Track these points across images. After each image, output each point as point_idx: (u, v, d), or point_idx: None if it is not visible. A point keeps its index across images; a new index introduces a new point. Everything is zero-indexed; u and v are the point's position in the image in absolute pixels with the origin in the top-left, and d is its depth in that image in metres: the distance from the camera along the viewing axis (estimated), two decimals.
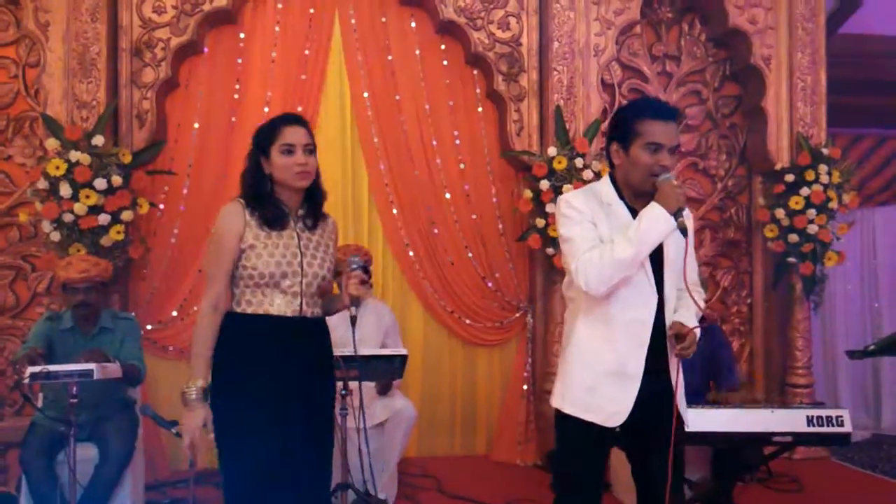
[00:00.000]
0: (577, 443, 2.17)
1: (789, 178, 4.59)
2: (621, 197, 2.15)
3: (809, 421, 3.00)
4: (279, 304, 2.16)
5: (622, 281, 2.06)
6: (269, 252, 2.15)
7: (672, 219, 2.01)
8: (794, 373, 4.73)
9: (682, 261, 2.12)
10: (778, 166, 4.70)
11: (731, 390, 3.46)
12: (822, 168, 4.54)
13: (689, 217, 2.27)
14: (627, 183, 2.15)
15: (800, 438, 3.06)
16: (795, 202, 4.55)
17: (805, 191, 4.54)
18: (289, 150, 2.16)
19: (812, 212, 4.51)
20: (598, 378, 2.12)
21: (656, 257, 2.11)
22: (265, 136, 2.21)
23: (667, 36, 4.93)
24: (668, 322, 2.13)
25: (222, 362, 2.16)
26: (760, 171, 4.90)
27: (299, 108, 4.50)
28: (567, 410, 2.17)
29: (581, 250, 2.08)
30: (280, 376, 2.15)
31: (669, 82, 4.92)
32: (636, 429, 2.17)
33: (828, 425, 3.00)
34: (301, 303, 2.19)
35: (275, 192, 2.21)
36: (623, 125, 2.13)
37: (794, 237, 4.56)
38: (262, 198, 2.19)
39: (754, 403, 3.31)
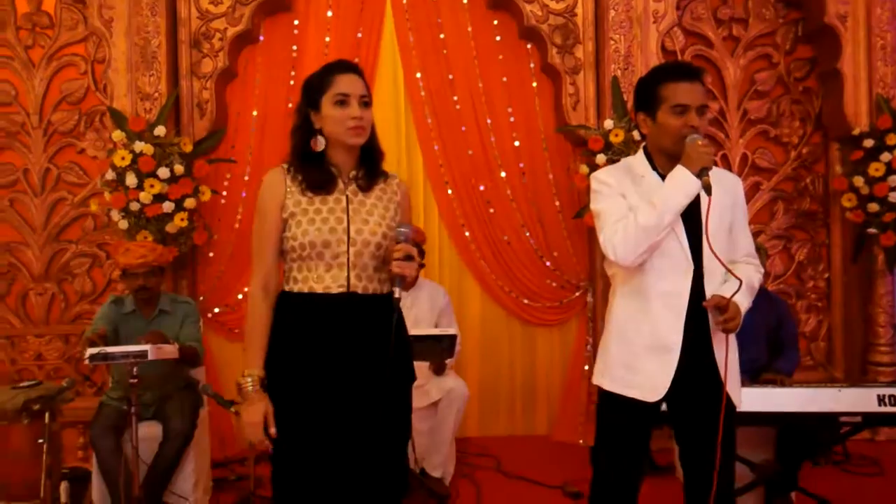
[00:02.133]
0: (618, 419, 2.13)
1: (868, 143, 4.29)
2: (654, 168, 2.09)
3: (881, 400, 2.82)
4: (325, 280, 1.91)
5: (655, 251, 1.99)
6: (310, 219, 1.91)
7: (696, 180, 1.94)
8: (876, 350, 4.46)
9: (725, 233, 2.04)
10: (856, 131, 4.39)
11: (786, 374, 3.27)
12: None
13: (737, 182, 2.16)
14: (660, 151, 2.09)
15: (870, 419, 2.88)
16: (875, 169, 4.25)
17: (886, 156, 4.24)
18: (342, 101, 1.91)
19: (894, 178, 4.21)
20: (635, 352, 2.07)
21: (694, 226, 2.02)
22: (315, 86, 1.96)
23: None
24: (707, 294, 2.03)
25: (271, 349, 1.96)
26: (837, 137, 4.61)
27: None
28: (607, 387, 2.14)
29: (609, 223, 2.03)
30: (329, 365, 1.90)
31: (736, 47, 4.67)
32: (682, 407, 2.11)
33: None
34: (348, 276, 1.91)
35: (325, 150, 1.96)
36: (646, 93, 2.08)
37: (874, 206, 4.27)
38: (309, 158, 1.96)
39: (820, 382, 3.13)
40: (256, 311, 1.95)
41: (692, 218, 2.03)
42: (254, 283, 1.97)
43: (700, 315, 2.04)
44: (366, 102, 1.94)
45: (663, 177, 2.05)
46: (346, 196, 1.96)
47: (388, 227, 1.96)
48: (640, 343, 2.07)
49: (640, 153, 2.16)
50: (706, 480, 2.05)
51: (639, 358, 2.07)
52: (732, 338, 2.06)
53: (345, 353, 1.91)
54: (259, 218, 1.98)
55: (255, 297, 1.96)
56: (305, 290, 1.92)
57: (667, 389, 2.03)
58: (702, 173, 1.95)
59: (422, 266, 3.92)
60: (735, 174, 2.28)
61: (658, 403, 2.09)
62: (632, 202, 2.05)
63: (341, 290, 1.91)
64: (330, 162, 1.98)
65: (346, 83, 1.93)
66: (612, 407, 2.14)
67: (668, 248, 2.02)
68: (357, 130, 1.92)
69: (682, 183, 1.96)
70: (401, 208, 2.05)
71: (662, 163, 2.09)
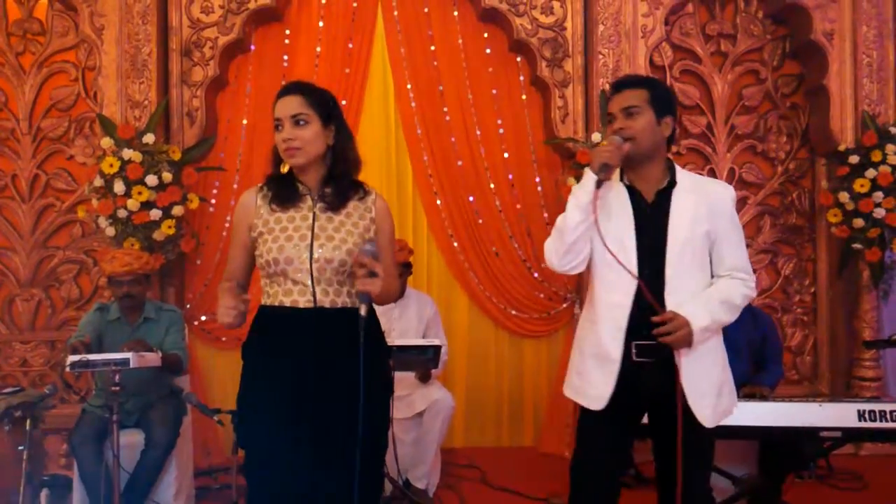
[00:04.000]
0: (585, 428, 2.15)
1: (854, 159, 4.33)
2: (621, 178, 2.14)
3: (861, 415, 2.83)
4: (293, 294, 1.94)
5: (577, 255, 2.08)
6: (275, 237, 1.96)
7: (593, 175, 2.02)
8: (861, 365, 4.48)
9: (699, 242, 2.06)
10: (842, 147, 4.43)
11: (768, 388, 3.29)
12: (890, 148, 4.27)
13: (723, 191, 2.15)
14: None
15: (850, 434, 2.88)
16: (861, 185, 4.29)
17: (871, 172, 4.28)
18: (277, 126, 1.98)
19: (879, 194, 4.25)
20: (584, 361, 2.13)
21: (654, 239, 2.04)
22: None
23: (721, 14, 4.72)
24: (668, 307, 2.02)
25: (246, 359, 2.02)
26: (823, 152, 4.65)
27: (343, 102, 4.55)
28: (566, 394, 2.21)
29: None
30: (300, 376, 1.92)
31: (724, 62, 4.72)
32: (652, 421, 2.12)
33: (881, 420, 2.82)
34: (314, 291, 1.93)
35: (291, 171, 2.02)
36: (604, 111, 2.20)
37: (859, 221, 4.30)
38: (282, 178, 2.02)
39: (804, 396, 3.14)
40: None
41: (653, 231, 2.04)
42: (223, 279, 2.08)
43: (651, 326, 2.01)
44: (299, 121, 1.96)
45: (631, 189, 2.11)
46: (314, 213, 1.99)
47: (353, 245, 1.96)
48: (587, 351, 2.12)
49: None
50: (674, 495, 2.04)
51: (586, 366, 2.11)
52: (702, 352, 2.03)
53: (313, 366, 1.93)
54: (231, 234, 2.13)
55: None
56: (276, 303, 1.98)
57: (607, 402, 2.04)
58: (602, 169, 2.01)
59: (409, 274, 3.94)
60: (727, 184, 2.26)
61: (621, 416, 2.08)
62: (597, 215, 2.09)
63: (308, 304, 1.94)
64: (297, 180, 2.03)
65: (279, 108, 1.98)
66: (581, 415, 2.17)
67: (614, 262, 2.03)
68: (289, 152, 1.96)
69: (584, 181, 2.05)
70: (376, 224, 2.05)
71: (629, 173, 2.15)
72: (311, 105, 1.98)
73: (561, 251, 2.08)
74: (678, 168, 2.16)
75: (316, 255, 1.94)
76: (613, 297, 2.06)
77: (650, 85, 2.13)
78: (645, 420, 2.20)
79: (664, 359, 2.02)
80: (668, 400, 2.01)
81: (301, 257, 1.93)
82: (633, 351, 2.04)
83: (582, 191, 2.05)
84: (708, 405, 2.05)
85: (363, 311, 1.89)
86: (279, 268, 1.95)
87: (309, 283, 1.94)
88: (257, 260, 2.02)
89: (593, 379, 2.08)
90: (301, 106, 1.97)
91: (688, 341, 1.98)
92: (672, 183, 2.10)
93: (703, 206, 2.06)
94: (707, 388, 2.06)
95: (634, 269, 2.03)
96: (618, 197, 2.09)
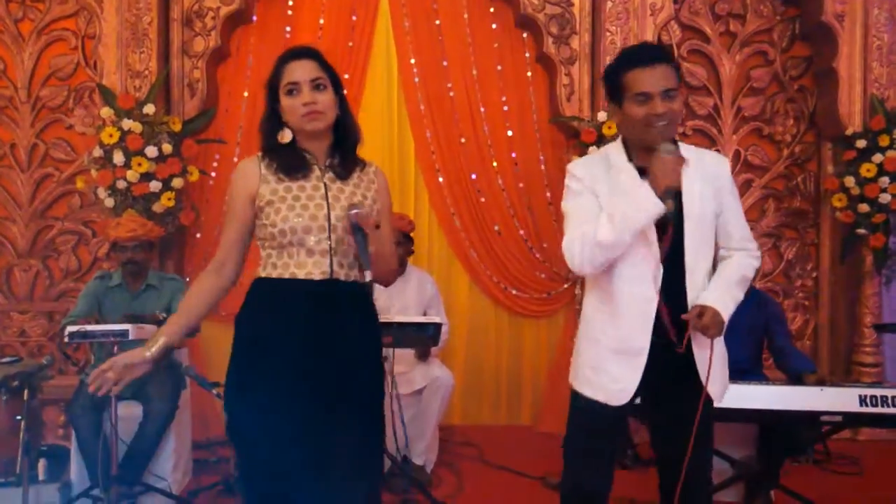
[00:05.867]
0: (586, 419, 2.09)
1: (861, 143, 4.29)
2: (630, 158, 2.02)
3: (862, 400, 2.81)
4: (307, 266, 1.88)
5: (618, 257, 1.94)
6: (289, 206, 1.87)
7: (659, 203, 1.87)
8: (861, 350, 4.47)
9: (709, 220, 2.01)
10: (849, 131, 4.39)
11: (811, 371, 3.24)
12: None
13: (720, 163, 2.10)
14: (632, 141, 2.02)
15: (851, 419, 2.87)
16: (867, 169, 4.25)
17: (878, 157, 4.24)
18: (292, 90, 1.89)
19: (885, 180, 4.22)
20: (602, 355, 2.03)
21: (669, 223, 1.95)
22: (272, 80, 1.94)
23: None
24: (689, 293, 1.98)
25: (243, 332, 1.92)
26: (830, 136, 4.60)
27: (346, 76, 4.50)
28: (577, 388, 2.10)
29: (572, 227, 1.99)
30: (309, 351, 1.86)
31: (733, 42, 4.66)
32: (656, 402, 2.09)
33: (883, 405, 2.81)
34: (331, 263, 1.88)
35: (296, 141, 1.94)
36: (611, 82, 2.00)
37: (864, 207, 4.27)
38: (281, 147, 1.93)
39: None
40: (201, 283, 1.94)
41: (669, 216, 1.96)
42: (214, 259, 1.97)
43: (676, 311, 1.97)
44: (319, 85, 1.90)
45: (639, 169, 1.99)
46: (325, 183, 1.93)
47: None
48: (606, 346, 2.02)
49: (618, 142, 2.08)
50: (678, 475, 2.02)
51: (605, 360, 2.02)
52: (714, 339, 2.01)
53: (326, 339, 1.88)
54: (228, 206, 1.98)
55: (208, 271, 1.95)
56: (286, 275, 1.89)
57: (632, 395, 1.99)
58: (666, 194, 1.88)
59: (410, 253, 3.92)
60: (721, 154, 2.19)
61: (626, 406, 2.03)
62: (603, 201, 1.98)
63: (324, 276, 1.88)
64: (302, 150, 1.95)
65: (294, 71, 1.90)
66: (581, 406, 2.09)
67: (634, 254, 1.96)
68: (311, 115, 1.89)
69: (644, 205, 1.88)
70: (379, 196, 2.02)
71: (639, 153, 2.01)
72: (325, 70, 1.93)
73: (599, 262, 1.94)
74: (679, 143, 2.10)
75: (334, 225, 1.89)
76: (636, 288, 1.97)
77: (675, 60, 2.02)
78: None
79: (681, 344, 1.97)
80: (683, 383, 1.98)
81: (320, 227, 1.88)
82: (668, 339, 1.97)
83: (642, 214, 1.88)
84: (719, 382, 2.05)
85: (368, 276, 1.83)
86: (296, 237, 1.87)
87: (328, 253, 1.89)
88: (264, 230, 1.90)
89: (616, 373, 2.00)
90: (318, 70, 1.92)
91: (721, 330, 1.95)
92: None
93: (708, 187, 2.01)
94: (717, 367, 2.03)
95: (658, 258, 1.96)
96: (626, 184, 1.98)
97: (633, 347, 1.98)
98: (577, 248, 1.95)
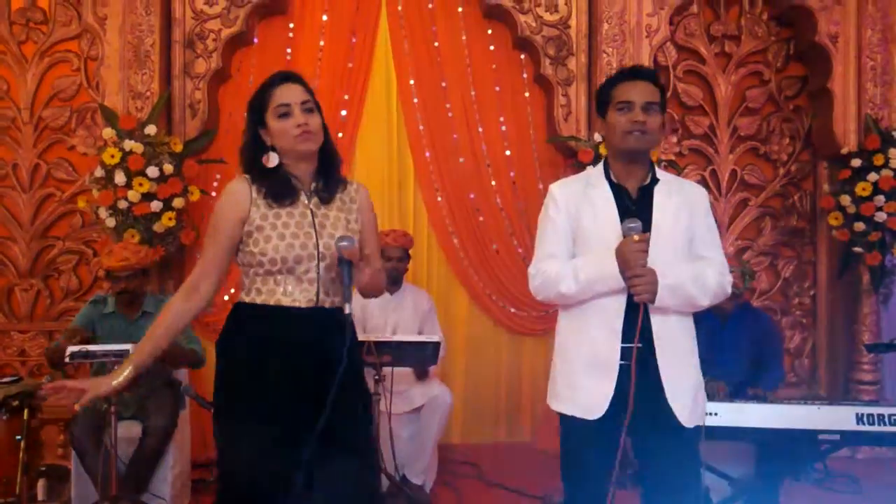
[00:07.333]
0: (571, 437, 2.10)
1: (856, 162, 4.34)
2: (608, 177, 2.11)
3: (859, 419, 2.81)
4: (294, 294, 1.90)
5: None
6: (279, 234, 1.89)
7: (622, 283, 1.96)
8: (859, 369, 4.49)
9: (680, 236, 2.06)
10: (844, 150, 4.43)
11: (769, 390, 3.28)
12: (893, 152, 4.28)
13: (698, 193, 2.16)
14: (613, 154, 2.12)
15: (848, 437, 2.86)
16: (862, 188, 4.29)
17: (873, 176, 4.28)
18: (284, 113, 1.90)
19: (880, 198, 4.25)
20: (575, 370, 2.06)
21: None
22: (258, 104, 1.95)
23: (726, 15, 4.72)
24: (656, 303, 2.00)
25: (227, 359, 1.94)
26: (826, 155, 4.65)
27: (346, 97, 4.57)
28: (555, 407, 2.12)
29: (540, 255, 2.11)
30: (293, 377, 1.88)
31: (728, 63, 4.72)
32: (634, 424, 2.07)
33: (880, 424, 2.81)
34: (318, 291, 1.92)
35: (282, 165, 1.94)
36: (600, 98, 2.14)
37: (860, 225, 4.31)
38: (267, 172, 1.93)
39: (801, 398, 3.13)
40: (170, 308, 1.94)
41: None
42: (188, 279, 1.97)
43: (647, 332, 1.99)
44: (308, 108, 1.93)
45: (616, 186, 2.08)
46: (311, 210, 1.96)
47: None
48: (578, 360, 2.05)
49: (602, 163, 2.17)
50: (657, 496, 2.06)
51: (578, 376, 2.05)
52: (679, 353, 2.05)
53: (311, 365, 1.89)
54: (212, 226, 1.96)
55: (179, 293, 1.95)
56: (271, 302, 1.90)
57: (605, 409, 1.99)
58: (632, 230, 1.96)
59: (406, 269, 3.94)
60: (701, 187, 2.26)
61: (607, 420, 2.02)
62: (580, 220, 2.07)
63: (310, 304, 1.92)
64: (289, 174, 1.96)
65: (284, 93, 1.92)
66: (565, 426, 2.11)
67: None
68: (305, 136, 1.91)
69: (608, 279, 1.97)
70: (360, 214, 2.05)
71: (618, 170, 2.11)
72: (311, 95, 1.97)
73: (552, 300, 2.09)
74: (656, 167, 2.18)
75: (322, 254, 1.91)
76: (603, 302, 2.01)
77: (661, 84, 2.14)
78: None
79: (643, 360, 1.97)
80: (649, 400, 1.98)
81: (310, 255, 1.90)
82: (623, 354, 1.99)
83: (604, 286, 1.99)
84: (686, 405, 2.04)
85: (347, 309, 1.88)
86: (286, 266, 1.89)
87: (315, 281, 1.92)
88: (251, 256, 1.90)
89: (588, 387, 2.01)
90: (306, 93, 1.95)
91: (652, 290, 1.95)
92: (654, 180, 2.11)
93: (684, 206, 2.08)
94: (686, 387, 2.05)
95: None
96: (602, 196, 2.08)
97: (603, 361, 2.01)
98: (538, 284, 2.09)
